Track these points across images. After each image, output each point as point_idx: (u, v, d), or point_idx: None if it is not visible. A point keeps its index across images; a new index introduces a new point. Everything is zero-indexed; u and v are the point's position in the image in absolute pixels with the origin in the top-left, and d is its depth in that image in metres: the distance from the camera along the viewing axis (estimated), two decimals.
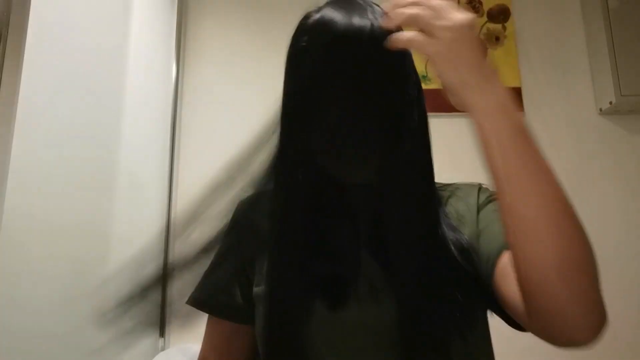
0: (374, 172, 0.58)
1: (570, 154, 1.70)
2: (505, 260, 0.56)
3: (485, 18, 1.81)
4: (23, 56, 0.88)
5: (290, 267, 0.60)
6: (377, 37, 0.53)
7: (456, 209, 0.65)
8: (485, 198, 0.66)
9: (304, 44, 0.59)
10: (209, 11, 1.83)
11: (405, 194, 0.58)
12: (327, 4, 0.59)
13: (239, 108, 1.75)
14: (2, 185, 0.83)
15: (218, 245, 0.71)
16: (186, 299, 0.71)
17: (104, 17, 1.24)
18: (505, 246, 0.57)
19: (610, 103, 1.65)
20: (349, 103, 0.57)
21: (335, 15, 0.56)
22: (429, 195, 0.63)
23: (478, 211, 0.65)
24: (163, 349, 1.51)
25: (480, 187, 0.69)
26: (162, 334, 1.53)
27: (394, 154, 0.59)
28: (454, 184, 0.71)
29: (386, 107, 0.58)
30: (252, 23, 1.82)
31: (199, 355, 0.71)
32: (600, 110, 1.72)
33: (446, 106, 1.89)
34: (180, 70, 1.74)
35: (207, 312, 0.69)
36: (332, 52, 0.55)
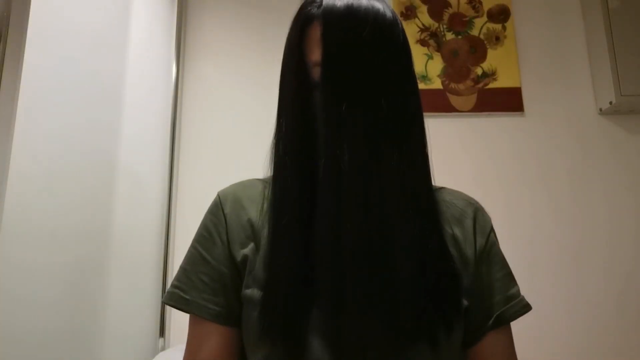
0: (374, 168, 0.55)
1: (570, 154, 1.70)
2: (492, 341, 0.62)
3: (485, 18, 1.81)
4: (23, 56, 0.88)
5: (286, 271, 0.56)
6: (385, 20, 0.56)
7: (451, 227, 0.64)
8: (486, 237, 0.66)
9: (310, 11, 0.60)
10: (209, 11, 1.83)
11: (403, 194, 0.56)
12: None
13: (239, 108, 1.75)
14: (2, 185, 0.83)
15: (201, 238, 0.65)
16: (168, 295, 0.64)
17: (104, 17, 1.24)
18: (502, 320, 0.62)
19: (610, 103, 1.65)
20: (353, 84, 0.56)
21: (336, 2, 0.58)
22: (427, 195, 0.61)
23: (475, 249, 0.64)
24: (163, 349, 1.51)
25: (475, 212, 0.67)
26: (162, 334, 1.53)
27: (394, 148, 0.57)
28: (444, 189, 0.69)
29: (389, 92, 0.57)
30: (252, 22, 1.82)
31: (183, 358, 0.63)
32: (600, 110, 1.72)
33: (446, 106, 1.91)
34: (180, 70, 1.74)
35: (192, 313, 0.62)
36: (339, 29, 0.57)
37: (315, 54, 0.59)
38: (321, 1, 0.60)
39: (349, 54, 0.56)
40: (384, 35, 0.58)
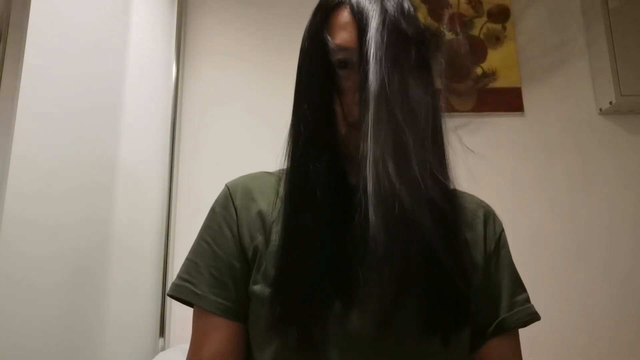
0: (409, 163, 0.54)
1: (570, 154, 1.70)
2: (495, 348, 0.62)
3: (485, 18, 1.81)
4: (23, 56, 0.88)
5: (300, 268, 0.55)
6: (401, 7, 0.57)
7: (463, 230, 0.63)
8: (496, 241, 0.66)
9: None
10: (209, 11, 1.83)
11: (431, 193, 0.55)
12: None
13: (239, 107, 1.75)
14: (2, 185, 0.83)
15: (210, 231, 0.64)
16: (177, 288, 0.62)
17: (104, 17, 1.24)
18: (503, 327, 0.62)
19: (610, 103, 1.65)
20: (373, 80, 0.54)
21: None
22: (449, 196, 0.60)
23: (485, 253, 0.64)
24: (163, 349, 1.51)
25: (485, 215, 0.67)
26: (162, 334, 1.53)
27: (427, 143, 0.55)
28: (455, 191, 0.68)
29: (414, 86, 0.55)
30: (252, 22, 1.82)
31: (187, 356, 0.62)
32: (600, 110, 1.72)
33: (446, 106, 1.88)
34: (180, 70, 1.74)
35: (202, 307, 0.61)
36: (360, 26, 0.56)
37: (339, 37, 0.58)
38: None
39: (380, 35, 0.55)
40: (409, 22, 0.57)
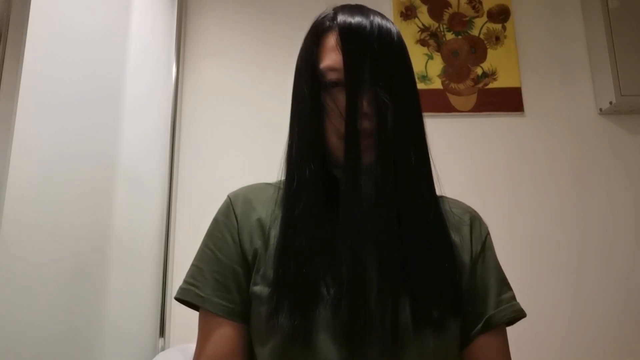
0: (396, 169, 0.60)
1: (570, 154, 1.70)
2: (483, 344, 0.64)
3: (485, 18, 1.81)
4: (23, 56, 0.88)
5: (296, 270, 0.59)
6: (386, 33, 0.62)
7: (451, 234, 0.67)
8: (482, 243, 0.70)
9: (324, 23, 0.65)
10: (209, 11, 1.83)
11: (410, 194, 0.61)
12: (339, 8, 0.66)
13: (240, 108, 1.75)
14: (2, 185, 0.83)
15: (213, 238, 0.68)
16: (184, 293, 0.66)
17: (104, 17, 1.24)
18: (490, 324, 0.65)
19: (610, 103, 1.65)
20: (359, 92, 0.60)
21: (348, 17, 0.63)
22: (431, 196, 0.65)
23: (471, 255, 0.68)
24: (163, 349, 1.52)
25: (471, 219, 0.71)
26: (162, 334, 1.53)
27: (397, 151, 0.61)
28: (443, 197, 0.72)
29: (394, 95, 0.61)
30: (252, 22, 1.82)
31: (194, 356, 0.66)
32: (600, 110, 1.72)
33: (446, 106, 1.91)
34: (180, 70, 1.74)
35: (207, 309, 0.64)
36: (347, 44, 0.62)
37: (329, 59, 0.63)
38: (334, 15, 0.65)
39: (365, 56, 0.61)
40: (392, 43, 0.63)
